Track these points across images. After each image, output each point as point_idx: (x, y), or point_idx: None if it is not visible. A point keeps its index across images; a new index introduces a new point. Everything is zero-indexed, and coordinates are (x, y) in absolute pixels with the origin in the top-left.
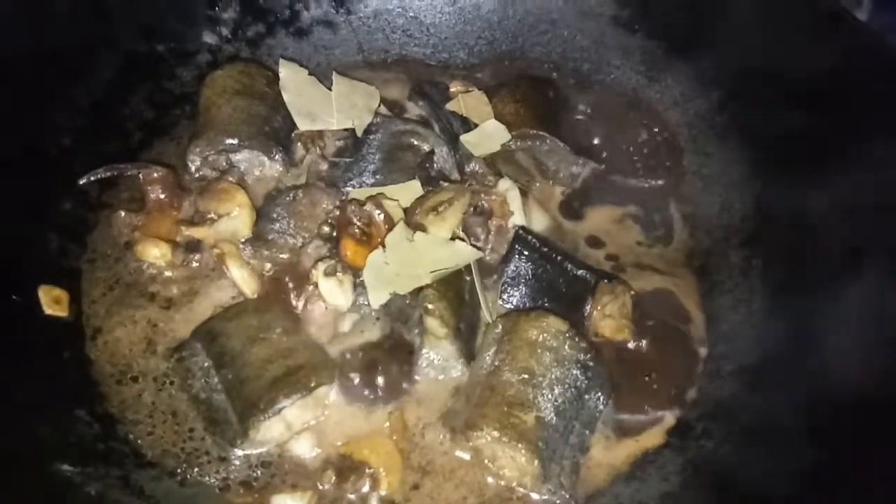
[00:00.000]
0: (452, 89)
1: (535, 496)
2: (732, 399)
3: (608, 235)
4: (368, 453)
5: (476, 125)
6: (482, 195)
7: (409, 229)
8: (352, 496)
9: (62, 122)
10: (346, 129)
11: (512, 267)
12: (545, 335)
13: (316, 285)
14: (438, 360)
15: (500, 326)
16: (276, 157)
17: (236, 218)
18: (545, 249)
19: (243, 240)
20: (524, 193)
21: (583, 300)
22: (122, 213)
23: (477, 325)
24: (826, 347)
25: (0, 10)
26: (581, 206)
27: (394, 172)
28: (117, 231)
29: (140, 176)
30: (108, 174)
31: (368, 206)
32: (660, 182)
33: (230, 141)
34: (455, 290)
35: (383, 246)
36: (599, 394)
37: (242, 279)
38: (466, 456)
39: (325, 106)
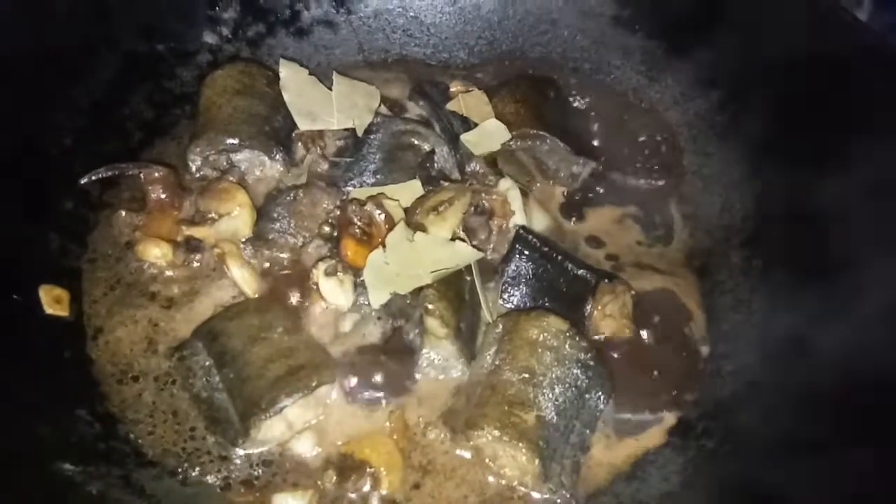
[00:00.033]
0: (453, 89)
1: (535, 495)
2: (733, 399)
3: (608, 235)
4: (369, 452)
5: (476, 125)
6: (483, 195)
7: (409, 229)
8: (353, 495)
9: (63, 121)
10: (346, 129)
11: (512, 266)
12: (546, 335)
13: (316, 285)
14: (439, 359)
15: (501, 326)
16: (277, 156)
17: (237, 217)
18: (546, 249)
19: (244, 239)
20: (524, 193)
21: (583, 300)
22: (123, 213)
23: (477, 324)
24: (826, 347)
25: (0, 10)
26: (581, 206)
27: (394, 172)
28: (118, 231)
29: (141, 176)
30: (109, 174)
31: (369, 206)
32: (660, 182)
33: (231, 141)
34: (455, 289)
35: (384, 246)
36: (600, 393)
37: (243, 279)
38: (467, 455)
39: (325, 106)
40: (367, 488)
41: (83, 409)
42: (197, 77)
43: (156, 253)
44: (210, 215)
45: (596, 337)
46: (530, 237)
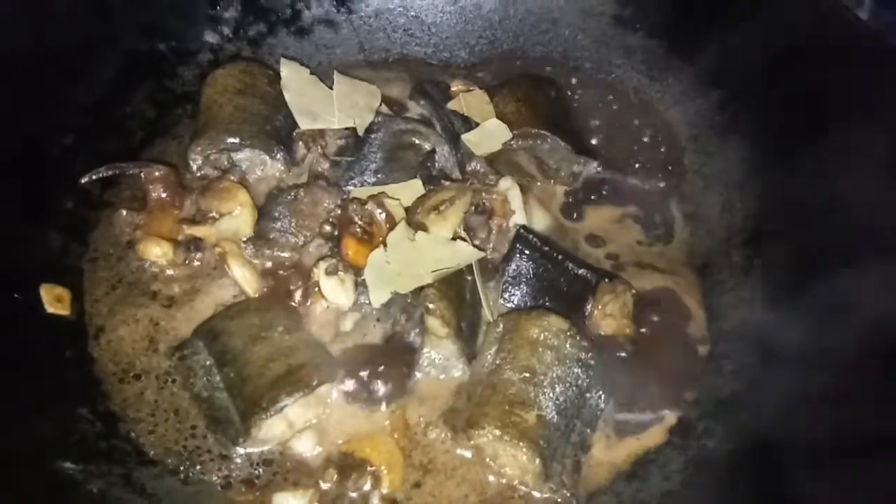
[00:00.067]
0: (454, 88)
1: (536, 494)
2: (733, 398)
3: (609, 234)
4: (370, 451)
5: (477, 124)
6: (483, 194)
7: (410, 228)
8: (353, 494)
9: (64, 121)
10: (347, 129)
11: (513, 266)
12: (546, 334)
13: (317, 284)
14: (440, 359)
15: (502, 325)
16: (278, 156)
17: (238, 217)
18: (546, 248)
19: (245, 239)
20: (525, 192)
21: (584, 299)
22: (124, 212)
23: (478, 324)
24: (827, 347)
25: (0, 10)
26: (582, 206)
27: (395, 171)
28: (119, 230)
29: (142, 175)
30: (110, 173)
31: (370, 206)
32: (660, 181)
33: (232, 140)
34: (456, 289)
35: (384, 245)
36: (600, 392)
37: (244, 278)
38: (468, 454)
39: (326, 105)
40: (367, 487)
41: (84, 407)
42: (198, 76)
43: (157, 252)
44: (211, 214)
45: (596, 336)
46: (531, 236)
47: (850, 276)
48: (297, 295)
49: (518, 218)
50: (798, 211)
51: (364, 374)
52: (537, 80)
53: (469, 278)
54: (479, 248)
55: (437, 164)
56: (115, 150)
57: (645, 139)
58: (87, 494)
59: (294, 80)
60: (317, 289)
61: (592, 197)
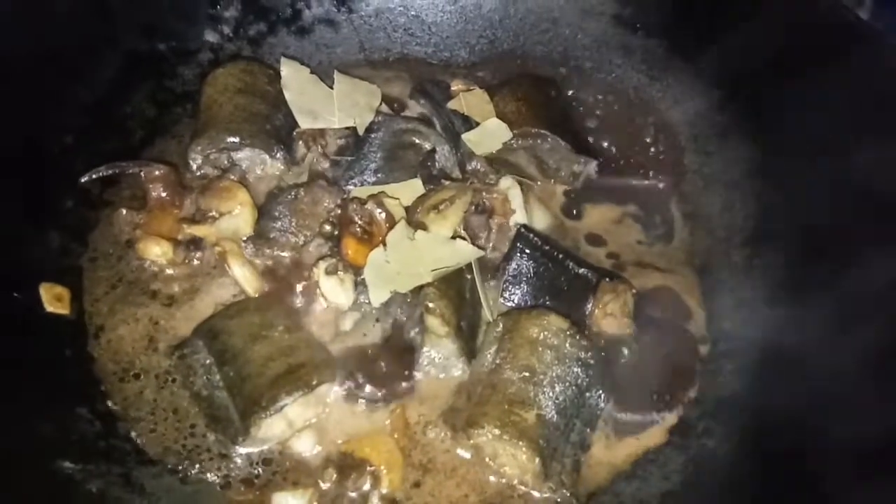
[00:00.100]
0: (454, 88)
1: (536, 494)
2: (733, 398)
3: (609, 234)
4: (370, 451)
5: (477, 124)
6: (483, 193)
7: (410, 228)
8: (353, 494)
9: (64, 121)
10: (347, 128)
11: (513, 265)
12: (546, 333)
13: (317, 283)
14: (439, 358)
15: (501, 325)
16: (278, 155)
17: (238, 216)
18: (546, 248)
19: (245, 238)
20: (525, 192)
21: (584, 298)
22: (124, 212)
23: (478, 323)
24: (827, 347)
25: (0, 10)
26: (582, 205)
27: (395, 171)
28: (119, 229)
29: (141, 174)
30: (110, 172)
31: (370, 205)
32: (660, 181)
33: (232, 139)
34: (456, 288)
35: (384, 244)
36: (600, 392)
37: (244, 277)
38: (467, 454)
39: (326, 104)
40: (367, 487)
41: (84, 407)
42: (198, 75)
43: (156, 251)
44: (211, 214)
45: (597, 335)
46: (531, 236)
47: (850, 277)
48: (297, 294)
49: (518, 217)
50: (797, 210)
51: (364, 373)
52: (537, 80)
53: (469, 277)
54: (479, 248)
55: (437, 164)
56: (115, 150)
57: (645, 139)
58: (86, 494)
59: (294, 80)
60: (317, 288)
61: (592, 196)
